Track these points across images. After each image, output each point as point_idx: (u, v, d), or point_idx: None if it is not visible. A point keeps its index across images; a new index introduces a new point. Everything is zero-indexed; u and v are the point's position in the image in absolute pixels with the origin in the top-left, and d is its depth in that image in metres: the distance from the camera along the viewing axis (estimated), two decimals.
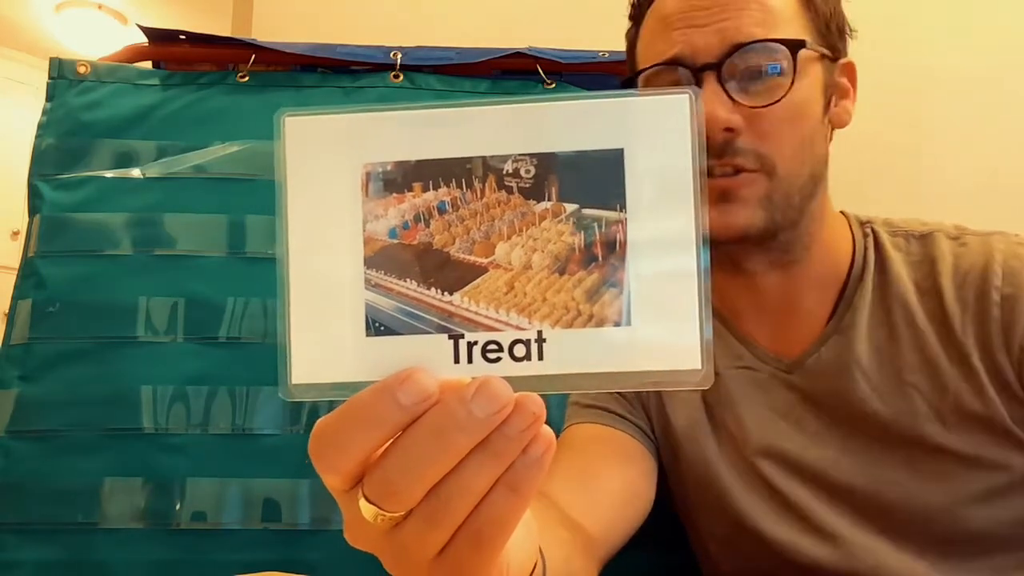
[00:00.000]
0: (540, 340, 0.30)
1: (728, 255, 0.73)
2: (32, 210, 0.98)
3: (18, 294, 0.95)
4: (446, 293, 0.31)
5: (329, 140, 0.31)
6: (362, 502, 0.31)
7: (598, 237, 0.31)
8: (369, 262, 0.31)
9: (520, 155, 0.31)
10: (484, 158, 0.31)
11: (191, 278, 0.95)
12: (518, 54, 1.08)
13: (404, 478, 0.30)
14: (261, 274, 0.96)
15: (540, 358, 0.30)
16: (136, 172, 0.99)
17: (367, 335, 0.31)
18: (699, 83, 0.66)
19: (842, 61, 0.72)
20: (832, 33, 0.71)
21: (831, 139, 0.73)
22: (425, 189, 0.31)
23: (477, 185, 0.31)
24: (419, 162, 0.31)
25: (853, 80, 0.74)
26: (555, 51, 1.08)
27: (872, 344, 0.71)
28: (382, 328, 0.31)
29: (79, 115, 1.01)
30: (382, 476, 0.30)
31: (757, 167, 0.66)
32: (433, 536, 0.31)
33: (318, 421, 0.31)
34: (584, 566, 0.61)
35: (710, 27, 0.66)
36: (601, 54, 1.09)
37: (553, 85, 1.07)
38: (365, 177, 0.31)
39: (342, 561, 0.88)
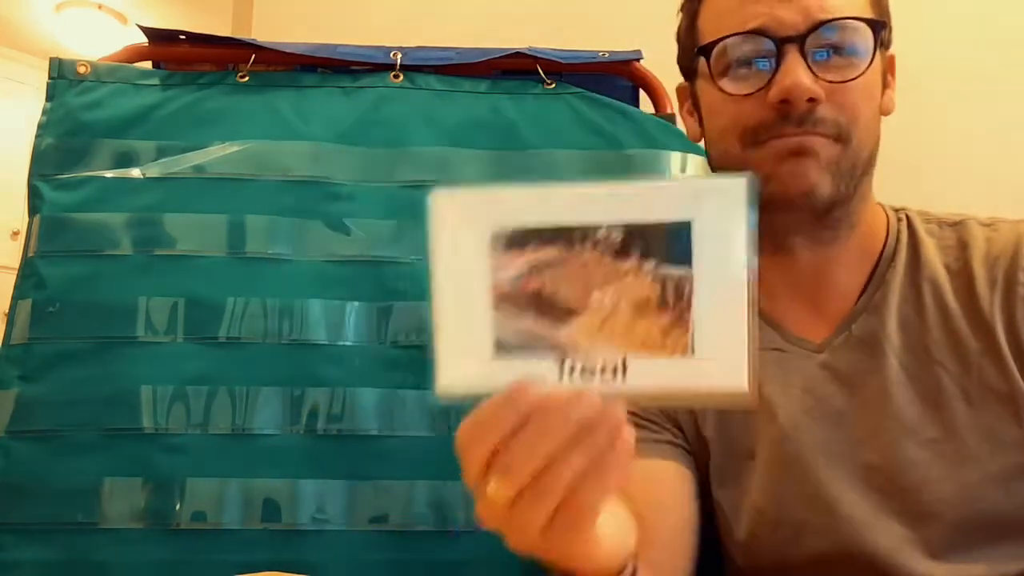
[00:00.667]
0: (624, 365, 0.40)
1: (773, 232, 0.73)
2: (32, 210, 0.98)
3: (18, 294, 0.95)
4: (554, 327, 0.41)
5: (466, 210, 0.41)
6: (489, 484, 0.40)
7: (670, 288, 0.40)
8: (496, 302, 0.41)
9: (611, 225, 0.40)
10: (584, 227, 0.40)
11: (191, 278, 0.95)
12: (518, 54, 1.08)
13: (518, 464, 0.39)
14: (261, 274, 0.96)
15: (624, 378, 0.40)
16: (136, 172, 0.98)
17: (494, 357, 0.41)
18: (781, 55, 0.67)
19: (888, 53, 0.74)
20: (888, 22, 0.73)
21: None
22: (538, 248, 0.41)
23: (578, 247, 0.41)
24: (534, 228, 0.41)
25: (893, 72, 0.76)
26: (555, 51, 1.08)
27: (901, 322, 0.72)
28: (505, 352, 0.41)
29: (79, 115, 1.00)
30: (503, 463, 0.40)
31: (834, 135, 0.68)
32: (538, 512, 0.40)
33: (461, 426, 0.41)
34: None
35: (793, 1, 0.68)
36: (601, 54, 1.09)
37: (553, 85, 1.07)
38: (493, 239, 0.41)
39: (342, 561, 0.88)
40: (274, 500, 0.89)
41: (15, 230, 3.63)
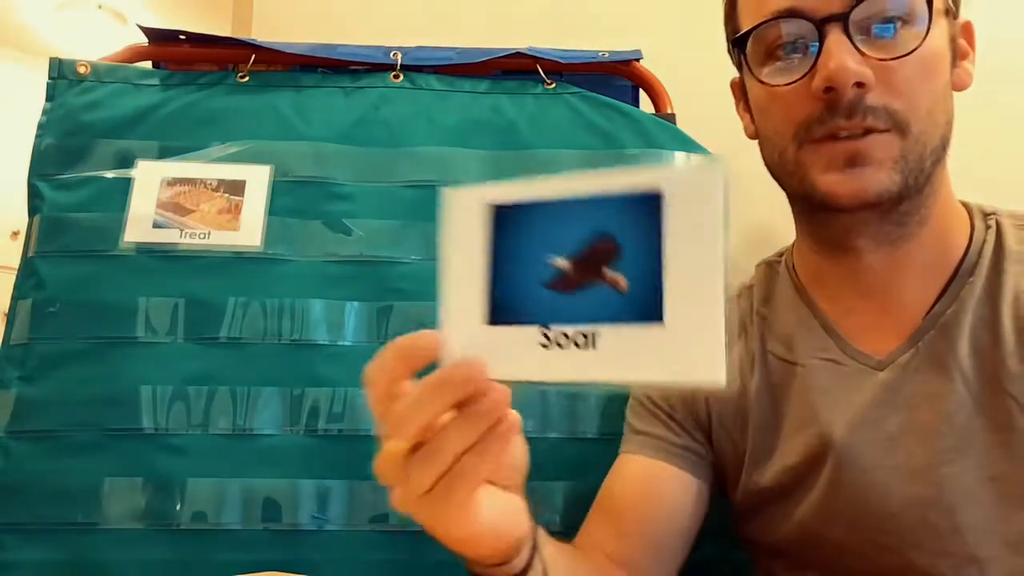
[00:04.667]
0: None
1: (833, 233, 0.68)
2: (32, 210, 0.98)
3: (18, 294, 0.95)
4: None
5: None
6: (386, 440, 0.43)
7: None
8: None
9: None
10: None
11: (191, 278, 0.95)
12: (518, 54, 1.08)
13: (408, 416, 0.41)
14: (261, 274, 0.96)
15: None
16: (136, 172, 0.98)
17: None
18: (823, 36, 0.61)
19: (960, 20, 0.67)
20: None
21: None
22: None
23: None
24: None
25: (971, 41, 0.69)
26: (555, 51, 1.08)
27: (974, 346, 0.64)
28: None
29: (79, 115, 1.00)
30: (397, 412, 0.42)
31: (888, 126, 0.62)
32: (424, 473, 0.42)
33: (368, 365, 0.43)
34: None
35: None
36: (601, 54, 1.09)
37: (553, 85, 1.07)
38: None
39: (342, 561, 0.88)
40: (274, 500, 0.89)
41: (15, 230, 3.63)
